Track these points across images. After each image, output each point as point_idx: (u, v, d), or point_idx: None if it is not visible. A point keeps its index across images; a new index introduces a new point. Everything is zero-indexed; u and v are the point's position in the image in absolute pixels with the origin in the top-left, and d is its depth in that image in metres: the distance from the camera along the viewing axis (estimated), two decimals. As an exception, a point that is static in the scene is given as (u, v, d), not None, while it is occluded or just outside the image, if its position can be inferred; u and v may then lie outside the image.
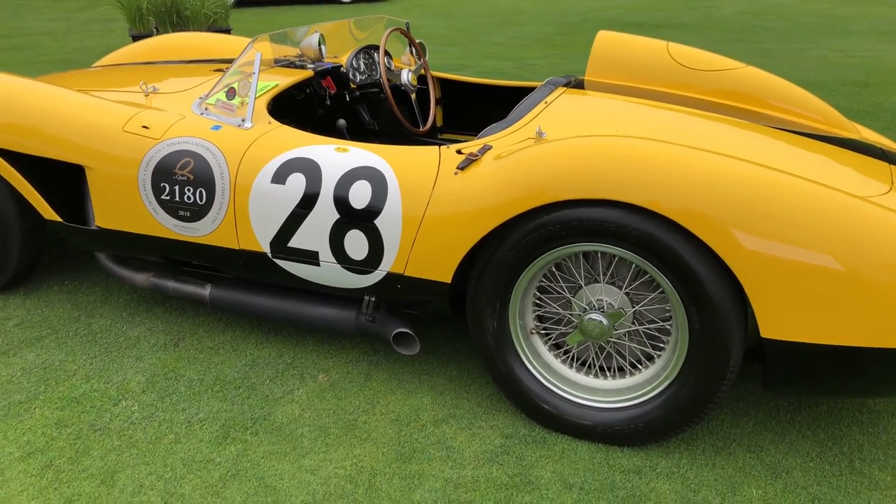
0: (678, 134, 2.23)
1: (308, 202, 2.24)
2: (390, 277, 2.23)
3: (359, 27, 3.51)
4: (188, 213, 2.41)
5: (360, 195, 2.19)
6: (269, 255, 2.35)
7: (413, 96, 3.37)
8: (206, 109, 2.55)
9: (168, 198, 2.42)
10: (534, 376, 2.20)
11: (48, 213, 2.66)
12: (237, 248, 2.39)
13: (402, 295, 2.27)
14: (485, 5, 15.08)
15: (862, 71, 7.60)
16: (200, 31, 3.17)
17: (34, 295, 3.04)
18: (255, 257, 2.38)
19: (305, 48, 2.95)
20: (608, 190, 1.89)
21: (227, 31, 9.81)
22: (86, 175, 2.58)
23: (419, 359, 2.59)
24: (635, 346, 2.12)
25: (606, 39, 2.85)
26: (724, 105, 2.64)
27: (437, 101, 3.55)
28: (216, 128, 2.44)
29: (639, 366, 2.15)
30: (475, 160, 2.14)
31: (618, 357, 2.17)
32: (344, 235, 2.22)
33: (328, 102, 3.08)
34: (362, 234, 2.20)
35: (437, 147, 2.24)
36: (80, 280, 3.18)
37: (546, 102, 2.44)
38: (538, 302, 2.20)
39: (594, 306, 2.10)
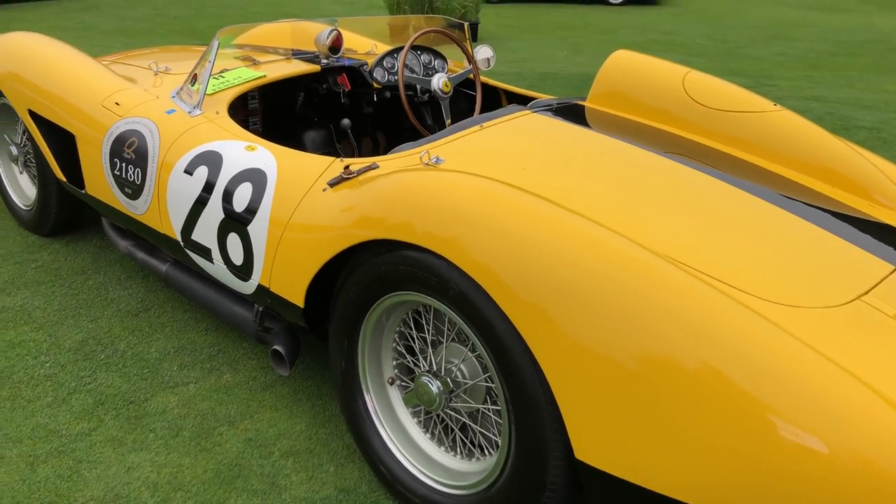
0: (600, 188, 1.81)
1: (205, 197, 2.18)
2: (261, 289, 2.09)
3: (416, 27, 3.36)
4: (130, 191, 2.48)
5: (242, 196, 2.08)
6: (182, 244, 2.34)
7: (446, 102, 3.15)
8: (176, 93, 2.60)
9: (118, 173, 2.51)
10: (377, 430, 1.93)
11: (57, 172, 2.90)
12: (161, 231, 2.41)
13: (276, 311, 2.12)
14: (764, 17, 13.43)
15: None
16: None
17: (70, 247, 3.30)
18: (173, 244, 2.38)
19: (317, 44, 2.88)
20: (430, 238, 1.59)
21: (475, 25, 9.99)
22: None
23: (330, 383, 2.42)
24: (480, 429, 1.76)
25: (619, 59, 2.41)
26: (723, 155, 2.09)
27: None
28: (170, 111, 2.47)
29: (488, 452, 1.79)
30: (349, 178, 1.92)
31: (460, 434, 1.83)
32: (227, 236, 2.13)
33: (344, 100, 2.99)
34: (238, 238, 2.09)
35: (332, 158, 2.05)
36: (115, 239, 3.45)
37: (482, 126, 2.11)
38: (402, 351, 1.93)
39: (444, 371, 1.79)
